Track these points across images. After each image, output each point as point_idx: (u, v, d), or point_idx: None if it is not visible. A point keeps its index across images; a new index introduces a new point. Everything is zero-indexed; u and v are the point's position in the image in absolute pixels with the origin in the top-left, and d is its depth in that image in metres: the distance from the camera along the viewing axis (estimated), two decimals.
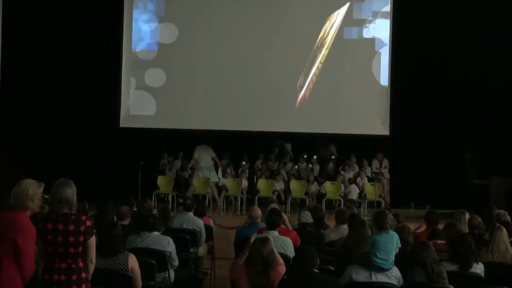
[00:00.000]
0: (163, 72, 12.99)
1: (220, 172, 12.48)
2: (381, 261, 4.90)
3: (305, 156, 13.23)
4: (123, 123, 12.99)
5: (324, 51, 12.76)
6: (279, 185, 12.38)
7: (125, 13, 12.96)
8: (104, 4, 12.72)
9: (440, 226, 6.71)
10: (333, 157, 13.25)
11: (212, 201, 12.05)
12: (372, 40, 12.69)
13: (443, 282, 4.56)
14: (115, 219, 6.23)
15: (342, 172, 12.70)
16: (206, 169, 12.03)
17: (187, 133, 12.88)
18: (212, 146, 12.81)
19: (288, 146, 13.61)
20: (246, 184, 12.41)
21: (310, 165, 13.03)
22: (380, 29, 12.70)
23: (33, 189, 4.02)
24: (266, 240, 4.78)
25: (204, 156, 12.07)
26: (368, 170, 12.90)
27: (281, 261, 4.83)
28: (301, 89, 12.83)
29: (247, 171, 12.72)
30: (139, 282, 4.84)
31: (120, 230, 4.97)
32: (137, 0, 13.05)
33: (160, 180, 12.36)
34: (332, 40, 12.74)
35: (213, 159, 12.17)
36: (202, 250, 7.40)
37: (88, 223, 4.07)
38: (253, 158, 13.42)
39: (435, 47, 12.41)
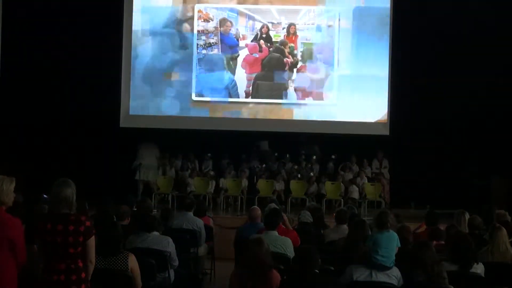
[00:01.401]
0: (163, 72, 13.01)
1: (157, 172, 12.52)
2: (382, 258, 4.90)
3: (304, 156, 13.23)
4: (123, 123, 12.99)
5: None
6: (279, 185, 12.37)
7: (125, 13, 12.96)
8: (104, 4, 12.72)
9: (440, 226, 6.72)
10: (333, 157, 13.27)
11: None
12: (373, 40, 12.72)
13: (443, 282, 4.55)
14: (115, 219, 6.23)
15: (342, 173, 12.71)
16: (146, 168, 12.24)
17: (187, 133, 12.89)
18: (212, 146, 12.87)
19: (265, 144, 13.57)
20: (246, 184, 12.41)
21: (309, 165, 13.02)
22: (380, 30, 12.71)
23: (7, 184, 4.08)
24: (260, 241, 4.70)
25: (145, 155, 12.28)
26: (368, 170, 12.90)
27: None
28: (300, 88, 12.83)
29: (247, 171, 12.72)
30: (139, 282, 4.83)
31: (120, 230, 4.95)
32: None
33: (160, 180, 12.36)
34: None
35: (157, 159, 12.46)
36: (202, 250, 7.39)
37: (88, 223, 4.06)
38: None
39: (434, 46, 12.41)
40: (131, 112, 13.04)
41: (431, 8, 12.27)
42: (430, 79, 12.50)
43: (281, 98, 12.85)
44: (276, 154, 13.46)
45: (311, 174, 12.64)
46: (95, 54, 12.59)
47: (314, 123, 12.79)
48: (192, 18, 12.98)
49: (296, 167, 13.01)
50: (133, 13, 12.98)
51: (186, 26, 13.00)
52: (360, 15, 12.73)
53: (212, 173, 12.85)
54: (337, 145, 13.12)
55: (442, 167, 12.36)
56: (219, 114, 12.97)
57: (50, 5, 12.62)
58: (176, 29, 13.00)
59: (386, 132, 12.64)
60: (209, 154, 13.19)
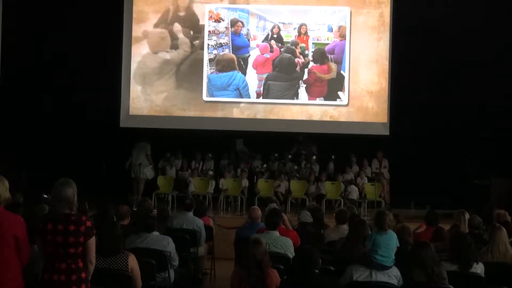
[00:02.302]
0: (163, 72, 13.00)
1: (150, 170, 12.51)
2: (381, 258, 4.91)
3: (304, 156, 13.23)
4: (123, 123, 12.99)
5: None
6: (283, 185, 12.36)
7: (125, 13, 12.97)
8: (105, 5, 12.73)
9: (442, 226, 6.72)
10: (333, 157, 13.27)
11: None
12: (373, 40, 12.74)
13: (443, 282, 4.56)
14: (115, 219, 6.23)
15: (343, 175, 12.70)
16: (136, 166, 12.30)
17: (186, 133, 12.90)
18: (212, 146, 12.88)
19: (240, 143, 13.56)
20: (247, 184, 12.41)
21: (309, 165, 13.03)
22: (380, 32, 12.72)
23: (3, 182, 4.15)
24: (258, 241, 4.73)
25: (138, 154, 12.36)
26: (368, 170, 12.90)
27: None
28: (311, 88, 12.81)
29: (247, 171, 12.72)
30: (139, 282, 4.84)
31: (120, 230, 4.96)
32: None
33: (160, 180, 12.37)
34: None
35: (146, 156, 12.41)
36: (202, 250, 7.40)
37: (88, 223, 4.07)
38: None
39: (434, 47, 12.41)
40: (131, 112, 13.05)
41: (431, 8, 12.27)
42: (430, 79, 12.50)
43: (292, 98, 12.80)
44: (276, 154, 13.48)
45: (314, 173, 12.64)
46: (95, 54, 12.60)
47: (315, 123, 12.78)
48: (190, 17, 12.96)
49: (296, 167, 13.01)
50: (133, 13, 12.98)
51: (194, 25, 13.01)
52: (361, 15, 12.74)
53: (211, 172, 12.84)
54: (337, 145, 13.13)
55: (442, 167, 12.36)
56: (228, 115, 12.95)
57: (51, 5, 12.62)
58: (181, 29, 13.00)
59: (386, 132, 12.64)
60: (210, 155, 13.19)
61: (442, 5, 12.20)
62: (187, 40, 13.01)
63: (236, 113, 12.96)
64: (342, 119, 12.76)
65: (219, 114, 12.95)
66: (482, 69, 12.07)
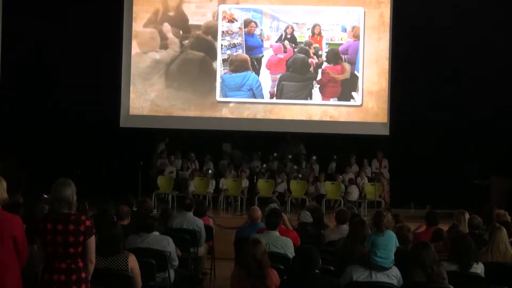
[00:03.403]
0: (163, 73, 13.00)
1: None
2: (381, 259, 4.90)
3: (304, 156, 13.23)
4: (123, 123, 12.99)
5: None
6: (283, 186, 12.34)
7: (125, 13, 12.97)
8: (105, 4, 12.73)
9: (440, 226, 6.72)
10: (335, 157, 13.27)
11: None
12: (373, 40, 12.75)
13: (443, 282, 4.56)
14: (115, 219, 6.23)
15: (343, 175, 12.69)
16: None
17: (186, 133, 12.90)
18: (212, 146, 12.89)
19: (227, 146, 13.58)
20: (247, 184, 12.41)
21: (309, 165, 13.02)
22: (380, 32, 12.72)
23: (2, 182, 4.17)
24: (258, 241, 4.72)
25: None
26: (368, 170, 12.90)
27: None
28: (325, 89, 12.81)
29: (247, 171, 12.72)
30: (139, 282, 4.83)
31: (120, 230, 4.95)
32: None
33: (160, 180, 12.36)
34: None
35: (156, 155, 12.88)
36: (202, 250, 7.40)
37: (88, 223, 4.07)
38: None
39: (434, 46, 12.41)
40: (131, 112, 13.05)
41: (431, 7, 12.27)
42: (430, 79, 12.51)
43: (306, 98, 12.78)
44: (275, 154, 13.49)
45: (313, 173, 12.64)
46: (95, 53, 12.59)
47: (315, 123, 12.78)
48: (180, 17, 12.95)
49: (296, 167, 13.01)
50: (133, 13, 12.98)
51: (183, 25, 13.01)
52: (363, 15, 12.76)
53: (210, 171, 12.83)
54: (337, 145, 13.12)
55: (442, 167, 12.36)
56: (228, 114, 12.94)
57: (51, 5, 12.62)
58: (171, 29, 13.00)
59: (386, 132, 12.64)
60: (208, 156, 13.17)
61: (442, 5, 12.19)
62: (176, 40, 13.01)
63: (235, 113, 12.95)
64: (342, 119, 12.76)
65: (219, 114, 12.95)
66: (482, 69, 12.07)
